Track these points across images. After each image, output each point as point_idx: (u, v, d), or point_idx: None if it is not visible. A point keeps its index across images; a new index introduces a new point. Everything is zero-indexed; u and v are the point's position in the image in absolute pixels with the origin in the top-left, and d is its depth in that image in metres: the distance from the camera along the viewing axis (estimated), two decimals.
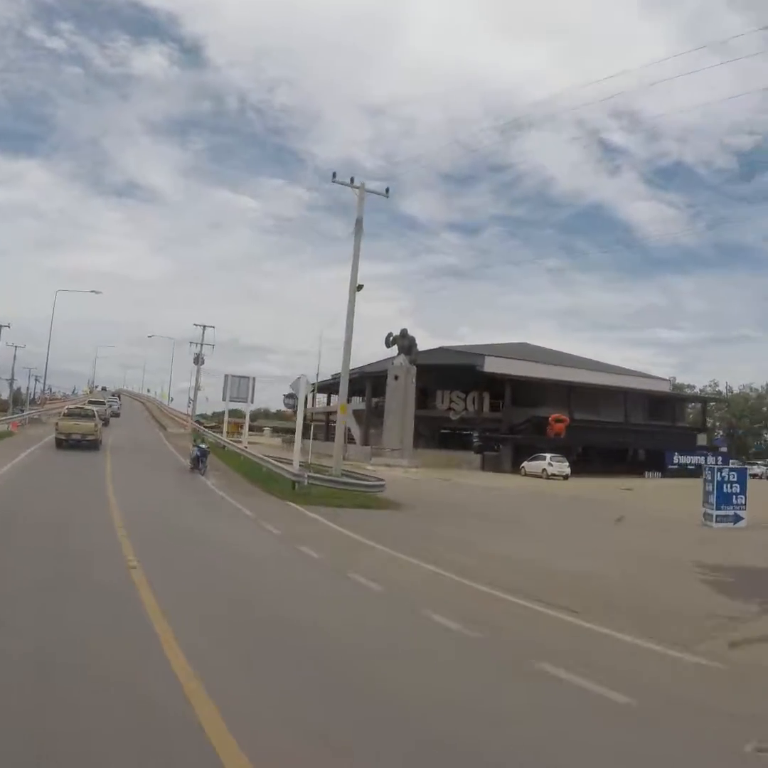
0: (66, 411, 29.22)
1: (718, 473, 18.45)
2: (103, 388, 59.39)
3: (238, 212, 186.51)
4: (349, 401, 29.90)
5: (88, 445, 26.24)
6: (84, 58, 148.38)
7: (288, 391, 28.83)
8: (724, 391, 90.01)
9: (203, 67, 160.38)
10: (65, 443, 25.99)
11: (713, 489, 18.01)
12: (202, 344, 49.48)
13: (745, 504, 18.01)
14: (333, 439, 27.76)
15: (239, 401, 37.63)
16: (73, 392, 77.58)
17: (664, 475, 46.87)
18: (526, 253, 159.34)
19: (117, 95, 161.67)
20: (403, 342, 44.36)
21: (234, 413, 41.23)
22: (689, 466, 47.48)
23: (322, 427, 56.06)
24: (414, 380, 43.30)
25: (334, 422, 39.82)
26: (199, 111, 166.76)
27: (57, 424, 27.37)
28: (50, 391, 35.22)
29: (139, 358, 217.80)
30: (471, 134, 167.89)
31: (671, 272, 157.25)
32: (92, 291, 43.08)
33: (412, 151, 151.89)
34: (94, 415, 28.21)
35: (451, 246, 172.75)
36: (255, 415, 66.16)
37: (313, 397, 44.34)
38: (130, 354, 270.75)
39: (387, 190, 23.29)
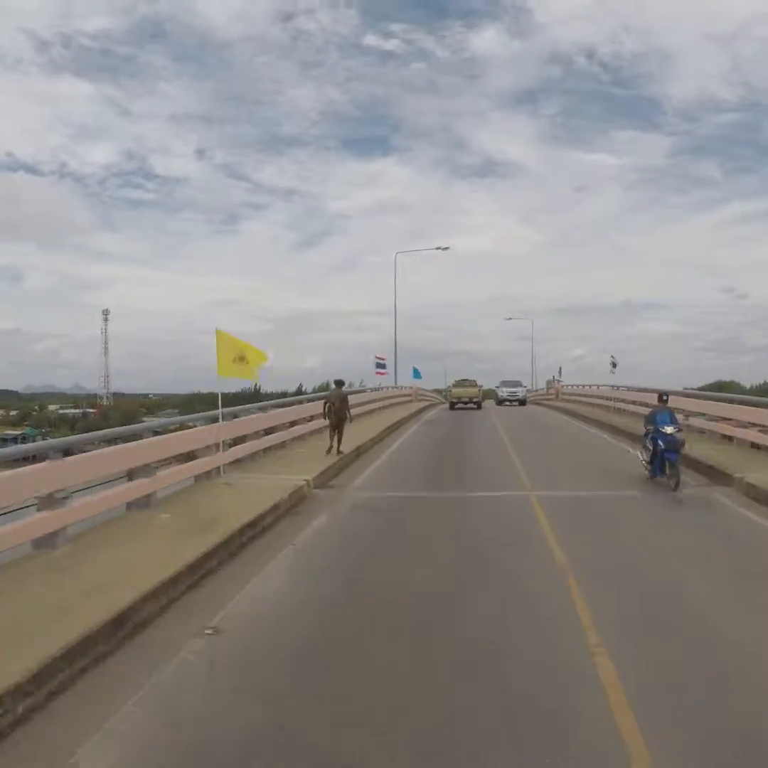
0: (455, 382, 36.15)
1: None
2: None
3: (597, 171, 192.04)
4: None
5: (474, 406, 33.09)
6: (424, 52, 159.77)
7: None
8: None
9: (537, 32, 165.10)
10: (455, 405, 33.63)
11: None
12: None
13: None
14: None
15: None
16: None
17: None
18: None
19: (462, 80, 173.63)
20: None
21: None
22: None
23: None
24: None
25: None
26: (547, 76, 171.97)
27: (450, 391, 35.98)
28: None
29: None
30: None
31: None
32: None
33: None
34: (476, 384, 34.95)
35: None
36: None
37: None
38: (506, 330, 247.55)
39: None
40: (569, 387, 39.55)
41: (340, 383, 14.47)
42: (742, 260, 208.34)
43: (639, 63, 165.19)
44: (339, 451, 13.48)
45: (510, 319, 71.96)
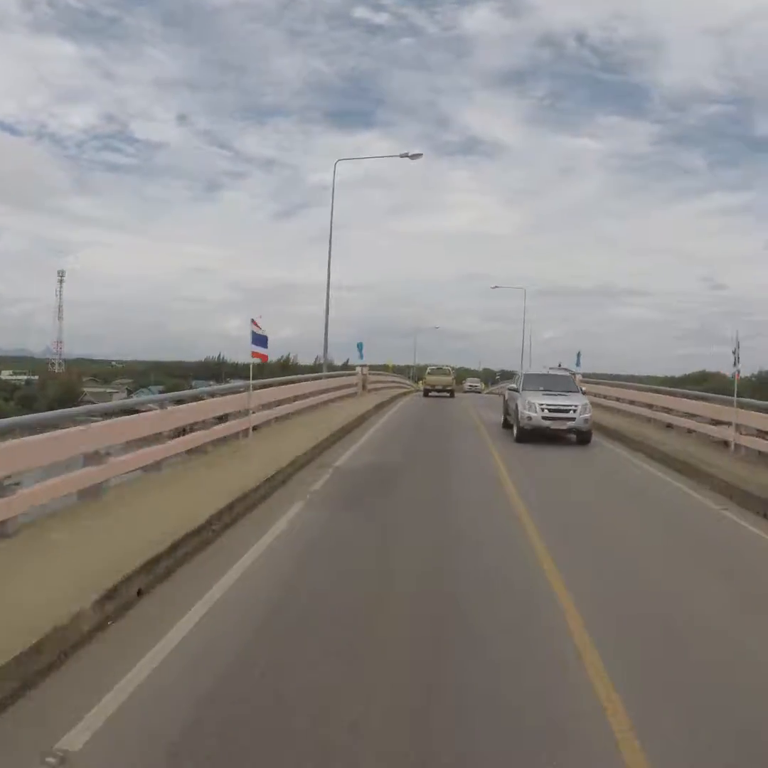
0: (429, 370, 36.33)
1: None
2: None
3: (581, 155, 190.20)
4: None
5: (447, 394, 33.42)
6: (414, 28, 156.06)
7: None
8: None
9: (529, 14, 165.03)
10: (429, 393, 33.39)
11: None
12: None
13: None
14: None
15: None
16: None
17: None
18: None
19: (451, 57, 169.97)
20: None
21: None
22: None
23: None
24: None
25: None
26: (537, 58, 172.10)
27: (425, 379, 35.55)
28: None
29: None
30: None
31: None
32: (403, 155, 26.91)
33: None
34: (450, 372, 35.49)
35: None
36: None
37: None
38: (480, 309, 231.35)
39: None
40: (591, 381, 24.88)
41: None
42: (721, 251, 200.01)
43: (630, 50, 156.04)
44: None
45: (496, 287, 60.17)
